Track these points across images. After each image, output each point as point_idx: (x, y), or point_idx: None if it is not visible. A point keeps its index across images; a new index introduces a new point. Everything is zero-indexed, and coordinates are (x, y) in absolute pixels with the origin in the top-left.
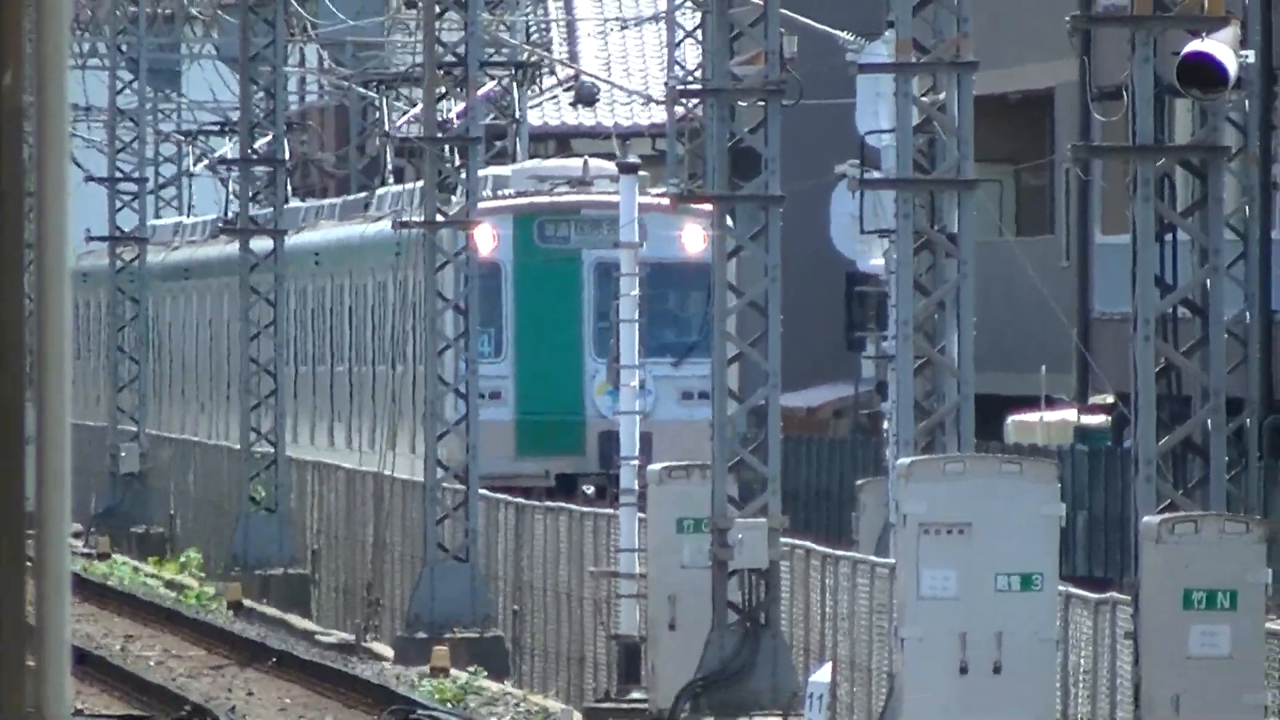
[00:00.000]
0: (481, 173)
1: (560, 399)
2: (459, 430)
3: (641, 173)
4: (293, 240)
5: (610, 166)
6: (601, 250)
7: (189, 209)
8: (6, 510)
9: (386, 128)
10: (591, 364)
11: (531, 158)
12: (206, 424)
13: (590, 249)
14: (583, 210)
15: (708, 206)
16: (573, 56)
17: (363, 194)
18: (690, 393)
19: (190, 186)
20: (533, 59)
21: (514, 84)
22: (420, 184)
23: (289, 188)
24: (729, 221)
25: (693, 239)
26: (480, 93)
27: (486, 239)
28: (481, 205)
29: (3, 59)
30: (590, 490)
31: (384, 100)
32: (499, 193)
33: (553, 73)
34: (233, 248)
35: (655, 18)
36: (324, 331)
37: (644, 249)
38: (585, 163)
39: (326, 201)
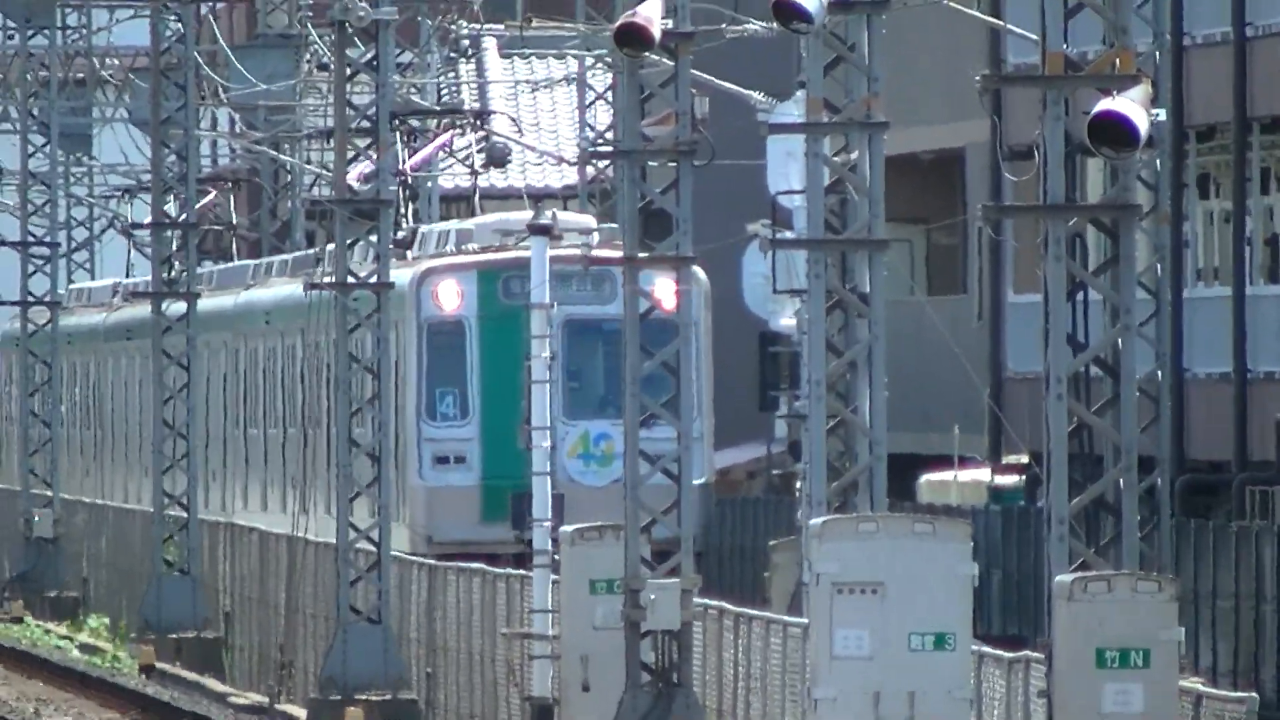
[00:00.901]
0: (442, 226)
1: (529, 463)
2: (370, 492)
3: (609, 225)
4: (210, 303)
5: (581, 219)
6: (571, 306)
7: (101, 273)
8: None
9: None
10: (562, 426)
11: (443, 218)
12: (124, 487)
13: (560, 305)
14: (551, 265)
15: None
16: (482, 121)
17: (313, 250)
18: (658, 456)
19: (100, 251)
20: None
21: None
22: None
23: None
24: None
25: (667, 295)
26: (434, 145)
27: (451, 295)
28: (444, 260)
29: None
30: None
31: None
32: (462, 247)
33: (463, 134)
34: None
35: (567, 79)
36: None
37: (614, 305)
38: (553, 215)
39: (279, 258)
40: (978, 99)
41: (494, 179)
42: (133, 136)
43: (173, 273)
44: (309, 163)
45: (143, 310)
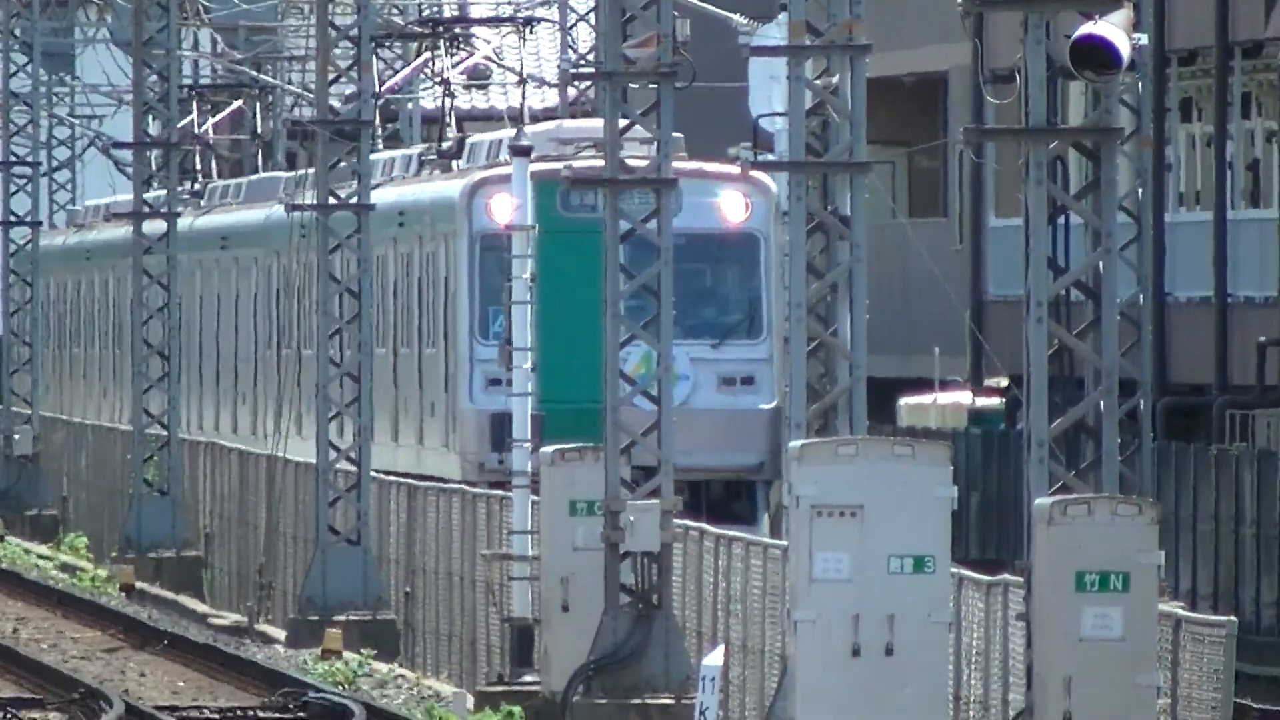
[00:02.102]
0: (492, 135)
1: (586, 384)
2: (350, 412)
3: (675, 134)
4: (199, 222)
5: (639, 129)
6: (627, 221)
7: (83, 193)
8: None
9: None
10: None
11: (423, 141)
12: (106, 407)
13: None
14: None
15: (754, 174)
16: (466, 39)
17: (281, 174)
18: (732, 378)
19: (82, 170)
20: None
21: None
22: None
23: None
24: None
25: (732, 207)
26: (413, 66)
27: (505, 209)
28: (497, 171)
29: None
30: None
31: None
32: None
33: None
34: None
35: (548, 1)
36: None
37: (677, 219)
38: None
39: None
40: (960, 22)
41: (475, 100)
42: (115, 56)
43: (195, 185)
44: (290, 83)
45: (159, 226)
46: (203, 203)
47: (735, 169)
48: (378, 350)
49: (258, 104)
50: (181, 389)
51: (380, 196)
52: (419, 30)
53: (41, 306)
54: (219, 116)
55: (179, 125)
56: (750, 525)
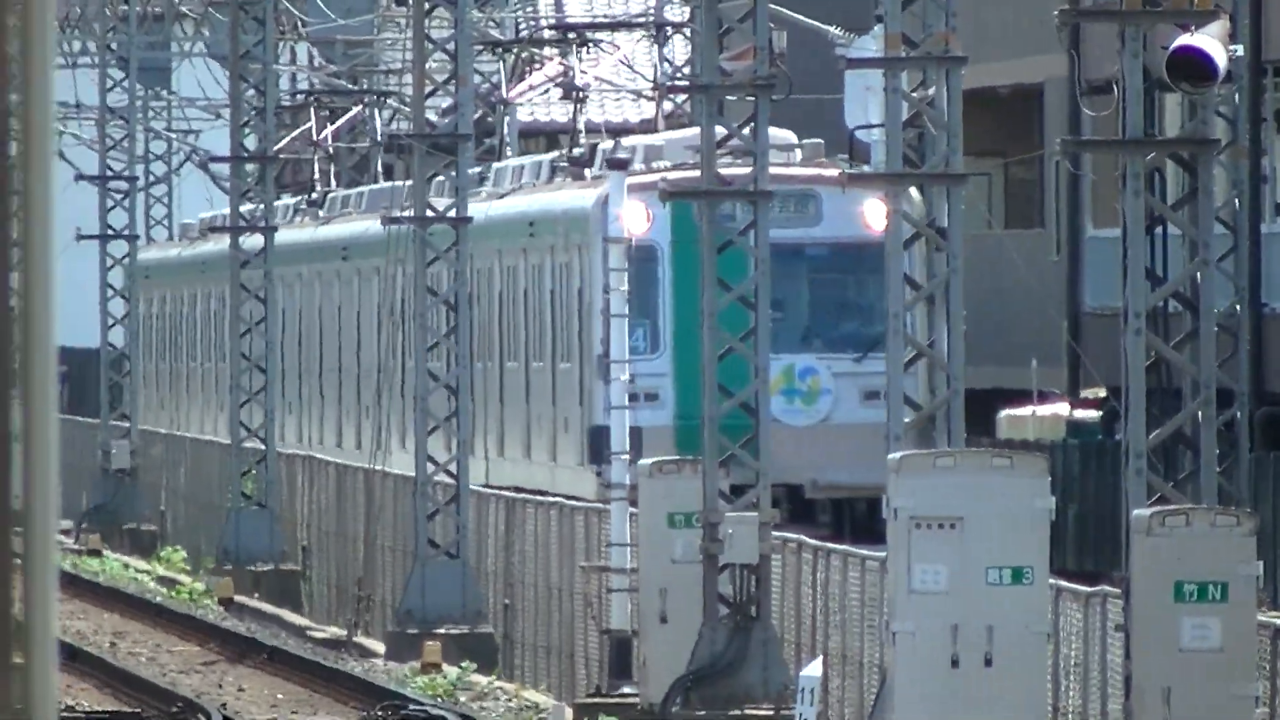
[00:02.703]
0: (625, 142)
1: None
2: (448, 426)
3: (811, 140)
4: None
5: (786, 134)
6: (774, 231)
7: (179, 207)
8: None
9: (324, 134)
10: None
11: (522, 154)
12: (209, 419)
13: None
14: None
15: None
16: (562, 53)
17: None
18: (876, 392)
19: (178, 185)
20: (522, 55)
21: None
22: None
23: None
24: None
25: (876, 216)
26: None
27: (639, 219)
28: (633, 180)
29: None
30: None
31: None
32: (651, 165)
33: (542, 67)
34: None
35: (644, 17)
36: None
37: (819, 228)
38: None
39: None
40: (1056, 34)
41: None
42: (211, 70)
43: (313, 194)
44: (361, 102)
45: (295, 234)
46: (322, 212)
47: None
48: (509, 364)
49: (376, 110)
50: (303, 403)
51: (511, 205)
52: (550, 37)
53: (144, 320)
54: (339, 123)
55: (296, 133)
56: None
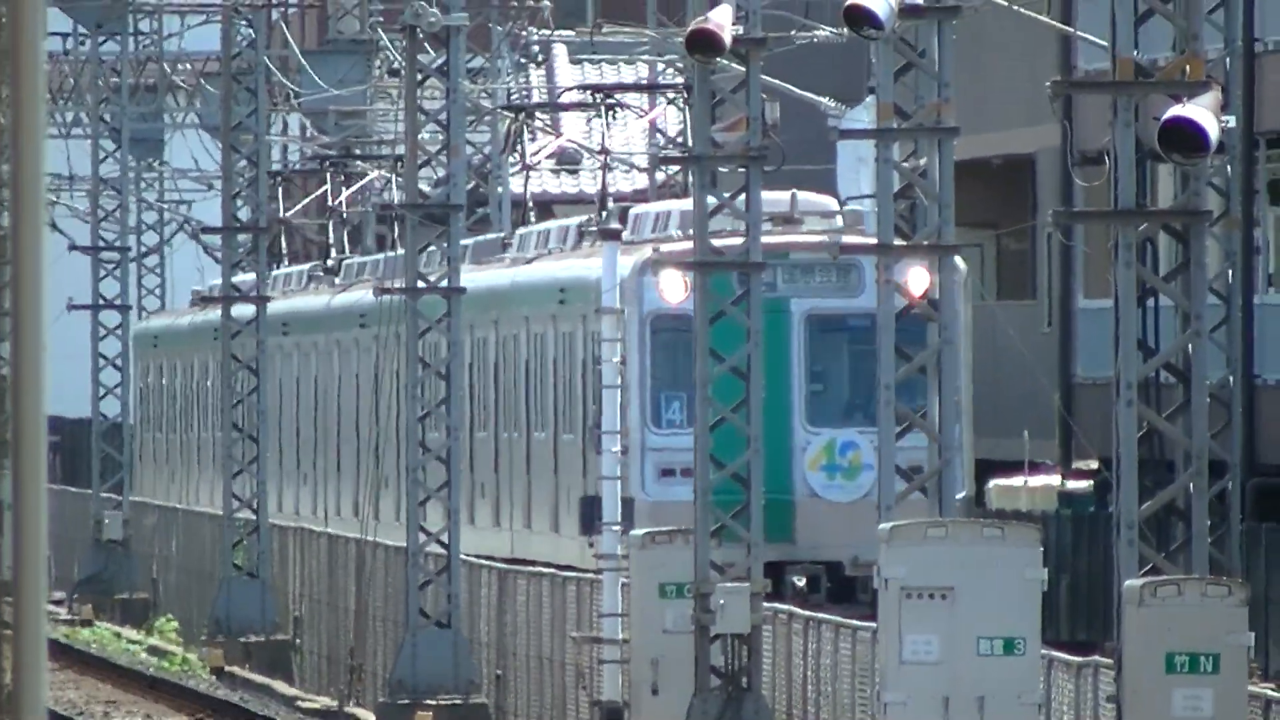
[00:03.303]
0: (659, 207)
1: (766, 475)
2: (441, 496)
3: (852, 208)
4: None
5: (824, 201)
6: (813, 299)
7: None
8: None
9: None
10: (802, 434)
11: (515, 225)
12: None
13: (800, 298)
14: (791, 253)
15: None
16: (554, 124)
17: (498, 235)
18: (920, 467)
19: (170, 255)
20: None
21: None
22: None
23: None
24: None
25: (919, 284)
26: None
27: (676, 287)
28: (669, 247)
29: None
30: (802, 582)
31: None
32: (687, 232)
33: (534, 139)
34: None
35: (637, 85)
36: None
37: (861, 298)
38: (793, 197)
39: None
40: (1048, 104)
41: (565, 184)
42: (203, 141)
43: (329, 259)
44: (379, 168)
45: (309, 300)
46: (338, 280)
47: (923, 244)
48: (537, 434)
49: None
50: (317, 472)
51: (539, 271)
52: (582, 100)
53: (151, 389)
54: (353, 188)
55: (308, 199)
56: None
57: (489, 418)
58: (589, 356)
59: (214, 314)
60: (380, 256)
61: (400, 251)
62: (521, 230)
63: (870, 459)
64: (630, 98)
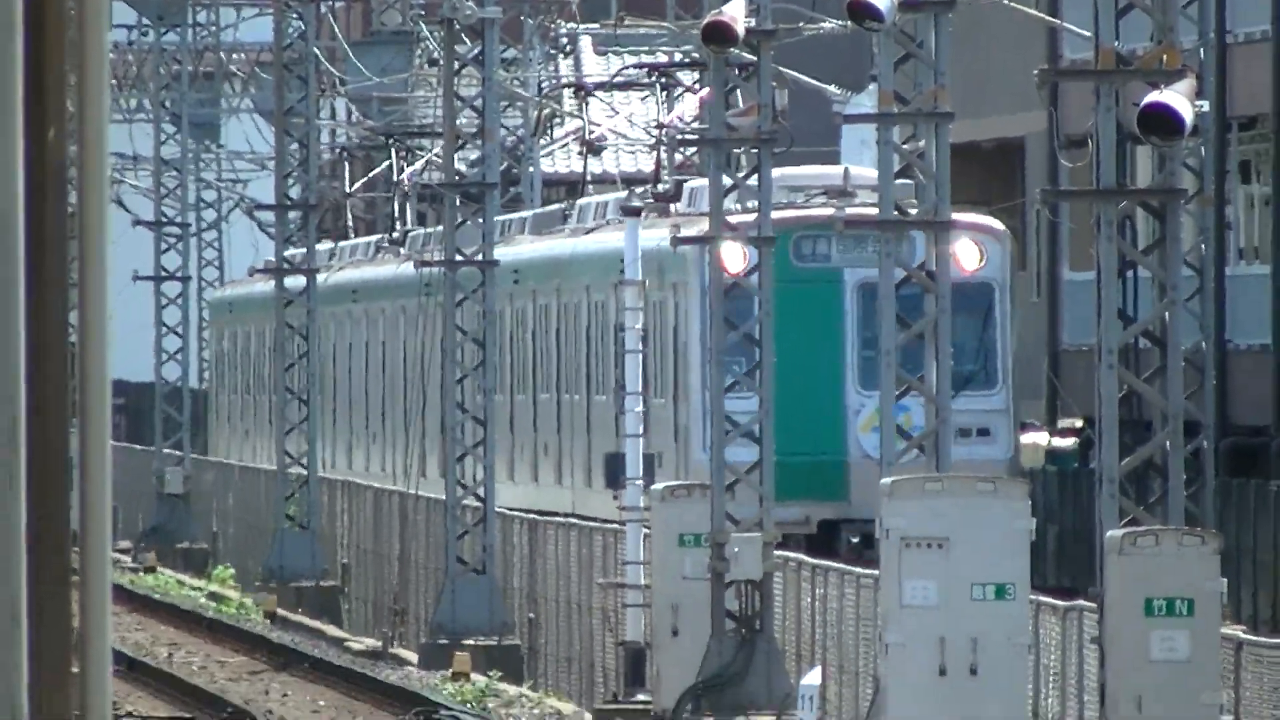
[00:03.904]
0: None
1: (821, 437)
2: (476, 453)
3: (903, 180)
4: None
5: (872, 175)
6: (866, 269)
7: (229, 250)
8: (53, 529)
9: (402, 177)
10: (856, 397)
11: (545, 203)
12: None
13: (854, 268)
14: (847, 225)
15: (984, 219)
16: (582, 109)
17: (559, 206)
18: (968, 429)
19: (228, 230)
20: (545, 111)
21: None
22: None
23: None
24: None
25: (967, 254)
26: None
27: (736, 257)
28: (731, 219)
29: (45, 118)
30: (856, 540)
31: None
32: (747, 206)
33: (563, 123)
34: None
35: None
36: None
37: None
38: (846, 171)
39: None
40: (1036, 91)
41: (591, 165)
42: (257, 125)
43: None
44: (421, 150)
45: (377, 270)
46: (403, 250)
47: (970, 216)
48: (597, 397)
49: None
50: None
51: (601, 240)
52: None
53: (226, 354)
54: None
55: (374, 171)
56: None
57: (551, 380)
58: (651, 324)
59: (241, 289)
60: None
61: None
62: (581, 201)
63: (920, 421)
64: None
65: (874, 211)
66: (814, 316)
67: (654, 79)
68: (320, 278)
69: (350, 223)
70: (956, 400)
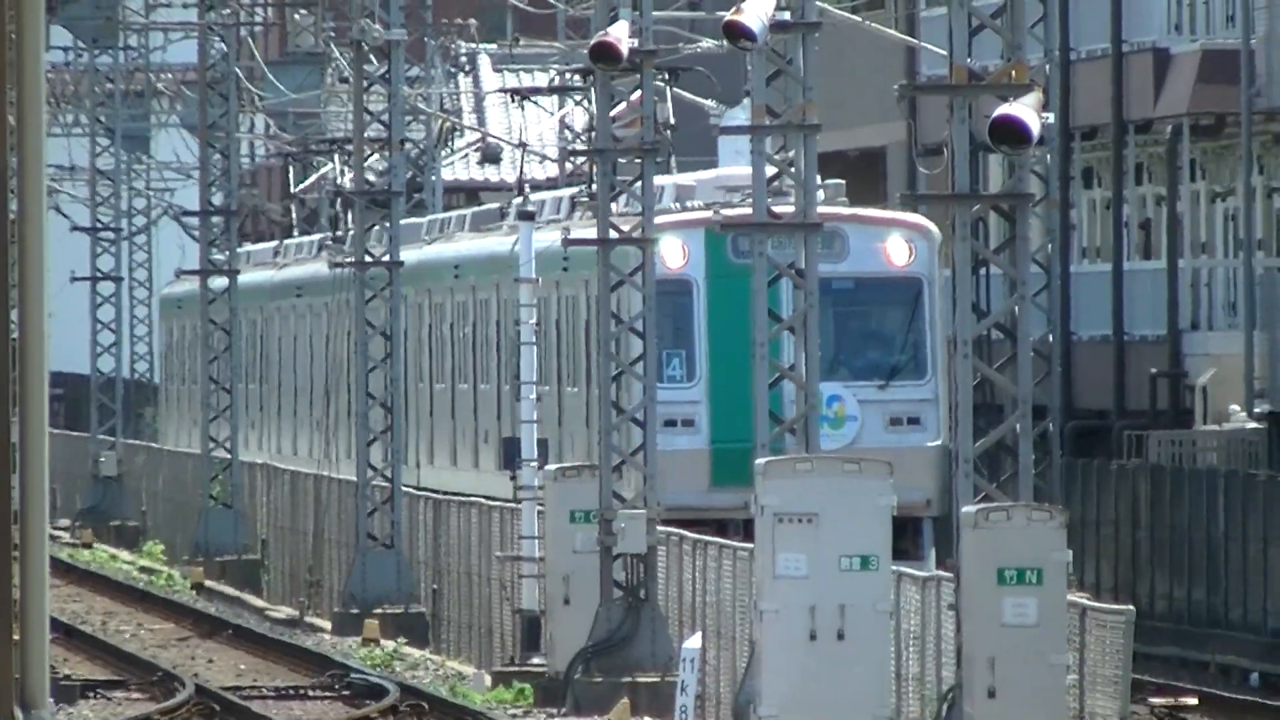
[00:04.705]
0: (661, 180)
1: (758, 426)
2: (385, 439)
3: (833, 181)
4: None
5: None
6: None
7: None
8: None
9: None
10: (792, 387)
11: (446, 209)
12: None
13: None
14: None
15: (914, 217)
16: (480, 122)
17: (496, 205)
18: (899, 418)
19: (156, 235)
20: (446, 125)
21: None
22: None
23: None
24: None
25: (897, 251)
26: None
27: (675, 253)
28: (668, 218)
29: None
30: None
31: (292, 164)
32: (685, 204)
33: (462, 135)
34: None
35: (550, 88)
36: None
37: (844, 263)
38: (779, 172)
39: (456, 213)
40: (896, 105)
41: (488, 173)
42: (184, 138)
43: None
44: (332, 160)
45: (305, 270)
46: (345, 248)
47: (900, 215)
48: (540, 388)
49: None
50: (287, 417)
51: (540, 239)
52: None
53: (164, 347)
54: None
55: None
56: (917, 562)
57: (490, 374)
58: (591, 319)
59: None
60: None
61: (485, 208)
62: (517, 199)
63: (854, 410)
64: (544, 101)
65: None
66: (749, 309)
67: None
68: (263, 275)
69: (266, 228)
70: (888, 390)
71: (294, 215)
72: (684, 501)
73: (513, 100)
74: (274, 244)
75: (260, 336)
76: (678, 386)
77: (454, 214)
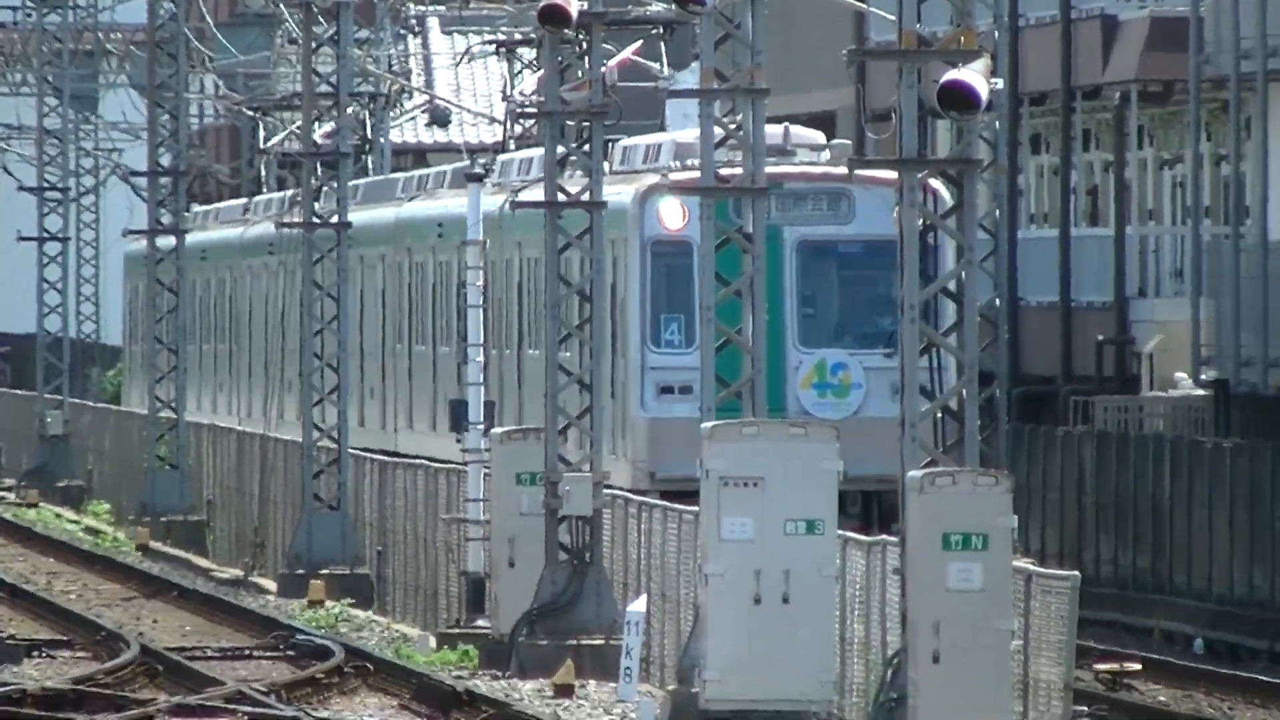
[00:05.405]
0: (651, 139)
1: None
2: (331, 399)
3: (840, 141)
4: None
5: (814, 135)
6: (805, 227)
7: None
8: None
9: (265, 146)
10: (795, 354)
11: (394, 170)
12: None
13: (793, 225)
14: (785, 183)
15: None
16: (428, 84)
17: (466, 163)
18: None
19: (104, 195)
20: (394, 87)
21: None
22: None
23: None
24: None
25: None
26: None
27: (675, 214)
28: (672, 177)
29: None
30: None
31: (260, 122)
32: (685, 163)
33: (411, 98)
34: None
35: (498, 50)
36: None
37: (851, 226)
38: (786, 130)
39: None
40: (845, 70)
41: (437, 135)
42: (132, 98)
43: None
44: (281, 121)
45: (265, 229)
46: (318, 204)
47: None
48: (531, 352)
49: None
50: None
51: (531, 197)
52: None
53: (127, 306)
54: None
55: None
56: None
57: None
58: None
59: (198, 237)
60: (362, 182)
61: (387, 177)
62: (503, 157)
63: (859, 378)
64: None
65: (815, 170)
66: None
67: (500, 54)
68: (233, 232)
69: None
70: (895, 357)
71: (262, 172)
72: (682, 472)
73: (461, 62)
74: (244, 201)
75: (230, 296)
76: (676, 352)
77: (432, 170)
